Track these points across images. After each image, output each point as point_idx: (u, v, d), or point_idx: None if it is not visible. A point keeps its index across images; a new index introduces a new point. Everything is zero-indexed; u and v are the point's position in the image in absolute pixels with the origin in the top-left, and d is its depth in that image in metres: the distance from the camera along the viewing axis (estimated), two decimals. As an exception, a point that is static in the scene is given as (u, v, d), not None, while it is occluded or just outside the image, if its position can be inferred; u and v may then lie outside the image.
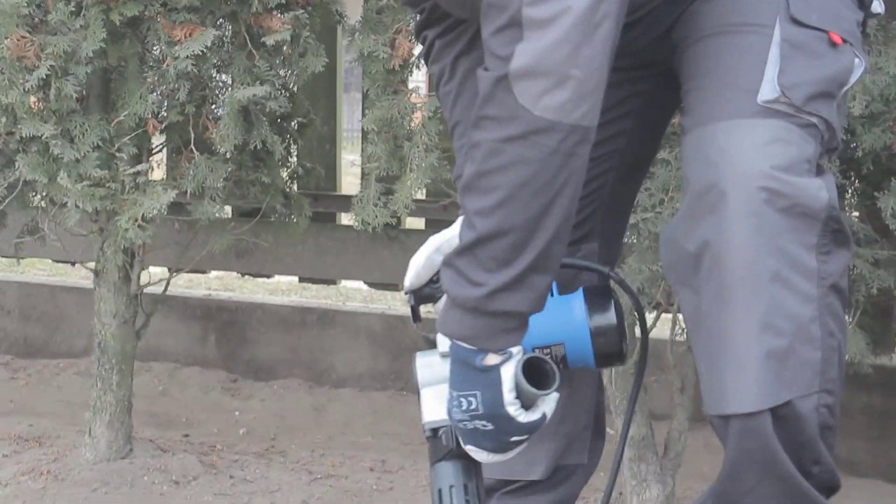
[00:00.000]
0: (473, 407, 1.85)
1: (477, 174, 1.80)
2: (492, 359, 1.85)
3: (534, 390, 1.86)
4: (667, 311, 3.19)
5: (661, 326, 3.45)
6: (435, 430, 1.93)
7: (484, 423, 1.85)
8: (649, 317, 3.20)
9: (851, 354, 2.87)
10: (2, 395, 4.44)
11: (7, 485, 3.28)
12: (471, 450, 1.89)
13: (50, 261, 5.59)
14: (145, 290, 3.52)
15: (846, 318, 1.95)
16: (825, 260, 1.87)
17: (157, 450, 3.53)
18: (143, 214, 3.05)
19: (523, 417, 1.86)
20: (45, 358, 4.83)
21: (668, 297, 3.09)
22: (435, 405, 1.93)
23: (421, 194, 3.88)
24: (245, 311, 4.76)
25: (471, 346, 1.84)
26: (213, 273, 5.82)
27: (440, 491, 1.91)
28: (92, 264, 3.46)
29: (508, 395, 1.84)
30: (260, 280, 5.28)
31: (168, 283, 3.66)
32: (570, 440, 2.24)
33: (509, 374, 1.84)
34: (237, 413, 4.32)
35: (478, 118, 1.80)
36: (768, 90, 1.89)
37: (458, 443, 1.91)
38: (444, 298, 1.89)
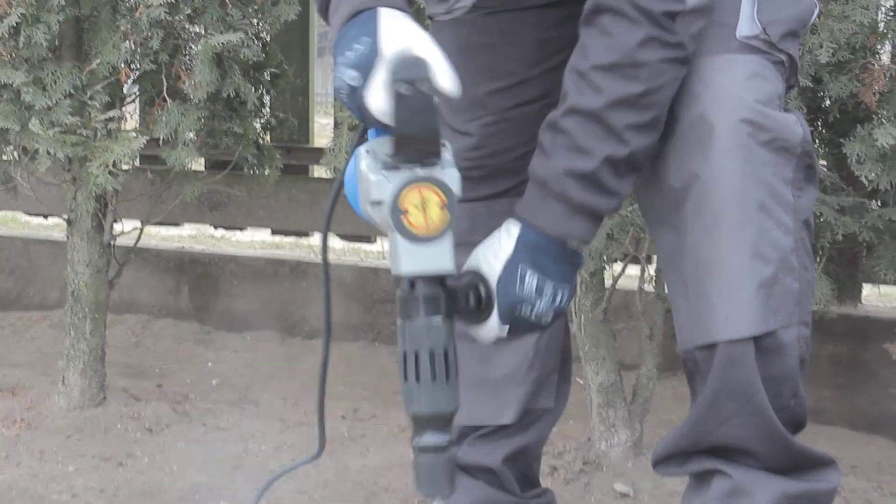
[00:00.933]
0: (562, 301, 1.89)
1: (644, 93, 1.84)
2: (584, 260, 1.95)
3: None
4: (634, 262, 3.23)
5: (630, 276, 3.49)
6: (413, 283, 1.77)
7: (552, 315, 1.89)
8: (617, 266, 3.23)
9: (816, 300, 2.91)
10: (-25, 346, 4.45)
11: (-19, 432, 3.30)
12: (502, 327, 1.88)
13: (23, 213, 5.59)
14: (118, 243, 3.53)
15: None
16: (799, 195, 1.92)
17: (130, 398, 3.56)
18: (113, 161, 3.06)
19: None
20: (18, 310, 4.83)
21: (637, 245, 3.12)
22: (423, 254, 1.77)
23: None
24: (218, 264, 4.77)
25: (579, 250, 1.91)
26: (187, 232, 5.84)
27: (417, 354, 1.76)
28: (66, 216, 3.47)
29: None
30: (234, 240, 5.30)
31: (141, 233, 3.67)
32: (538, 385, 2.28)
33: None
34: (210, 364, 4.34)
35: (645, 39, 1.84)
36: (747, 26, 1.92)
37: (476, 310, 1.87)
38: None
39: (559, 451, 3.26)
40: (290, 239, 5.28)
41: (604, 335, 3.17)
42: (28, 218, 5.92)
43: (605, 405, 3.17)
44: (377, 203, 1.74)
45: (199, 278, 4.76)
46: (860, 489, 3.15)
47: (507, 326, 1.88)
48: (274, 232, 5.08)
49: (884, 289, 4.36)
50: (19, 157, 3.43)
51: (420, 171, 1.74)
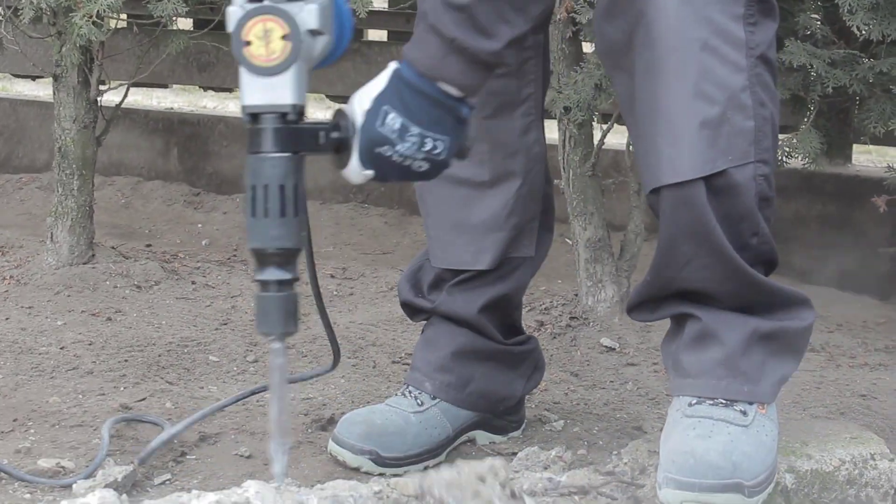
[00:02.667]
0: (437, 151, 1.85)
1: None
2: (466, 112, 1.88)
3: (469, 145, 1.92)
4: (619, 122, 3.21)
5: (618, 135, 3.47)
6: (256, 116, 1.75)
7: (424, 164, 1.86)
8: (601, 127, 3.22)
9: (805, 153, 2.90)
10: (-36, 208, 4.44)
11: (-30, 289, 3.30)
12: (364, 173, 1.85)
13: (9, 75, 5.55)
14: (106, 102, 3.51)
15: (777, 91, 1.97)
16: (752, 31, 1.90)
17: (119, 256, 3.55)
18: (97, 12, 3.01)
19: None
20: (6, 172, 4.81)
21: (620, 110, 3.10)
22: (266, 88, 1.74)
23: (383, 3, 3.85)
24: (207, 125, 4.75)
25: (461, 94, 1.87)
26: (176, 98, 5.80)
27: (266, 188, 1.75)
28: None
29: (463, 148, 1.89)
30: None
31: (127, 91, 3.63)
32: (518, 231, 2.27)
33: (472, 129, 1.90)
34: (199, 225, 4.34)
35: None
36: None
37: (329, 146, 1.82)
38: None
39: (546, 307, 3.28)
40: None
41: (592, 190, 3.16)
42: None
43: (592, 261, 3.18)
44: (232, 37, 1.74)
45: (188, 140, 4.74)
46: (845, 345, 3.17)
47: (371, 170, 1.85)
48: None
49: (874, 148, 4.35)
50: (4, 11, 3.39)
51: (267, 3, 1.73)
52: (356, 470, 2.18)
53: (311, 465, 2.21)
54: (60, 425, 2.33)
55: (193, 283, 3.47)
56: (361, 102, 1.85)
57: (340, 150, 1.84)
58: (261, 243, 1.76)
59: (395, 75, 1.87)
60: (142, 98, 5.59)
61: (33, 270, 3.41)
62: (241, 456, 2.24)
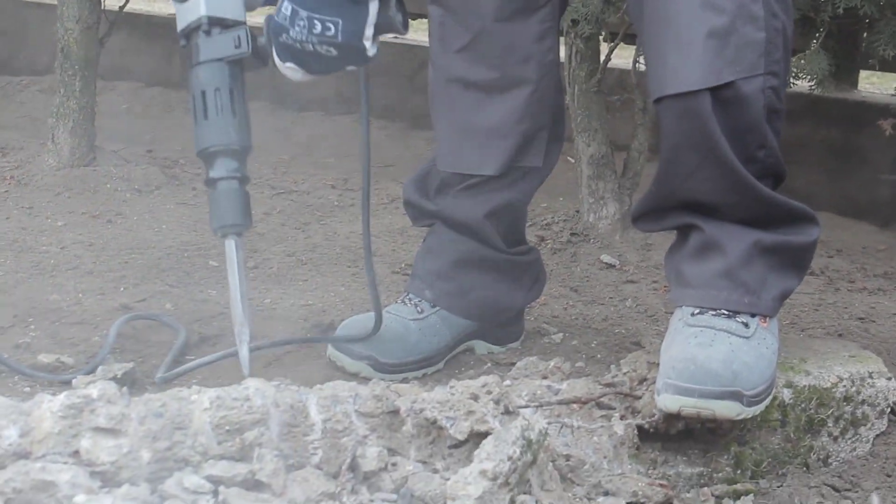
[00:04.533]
0: (331, 33, 1.89)
1: None
2: None
3: (400, 27, 1.94)
4: (626, 41, 3.19)
5: (625, 53, 3.46)
6: (189, 36, 1.95)
7: (330, 49, 1.90)
8: (607, 46, 3.20)
9: (813, 74, 2.88)
10: (-36, 108, 4.42)
11: (-30, 189, 3.30)
12: (288, 66, 1.92)
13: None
14: (109, 6, 3.48)
15: (791, 4, 1.95)
16: None
17: (120, 160, 3.55)
18: None
19: (371, 52, 1.93)
20: (7, 74, 4.79)
21: (628, 26, 3.07)
22: (185, 10, 1.95)
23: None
24: (210, 32, 4.71)
25: None
26: None
27: (204, 94, 1.91)
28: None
29: (369, 29, 1.90)
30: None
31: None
32: (526, 139, 2.25)
33: (375, 9, 1.90)
34: (201, 132, 4.32)
35: None
36: None
37: (246, 48, 1.92)
38: None
39: (547, 223, 3.28)
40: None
41: (597, 106, 3.15)
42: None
43: (594, 177, 3.17)
44: None
45: (190, 46, 4.71)
46: (844, 270, 3.17)
47: (290, 62, 1.92)
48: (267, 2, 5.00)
49: (880, 74, 4.33)
50: None
51: None
52: (355, 375, 2.19)
53: (311, 368, 2.21)
54: (60, 322, 2.33)
55: (194, 188, 3.47)
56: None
57: (262, 51, 1.93)
58: (205, 143, 1.94)
59: None
60: (142, 6, 5.55)
61: (34, 171, 3.40)
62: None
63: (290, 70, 1.92)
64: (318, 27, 1.88)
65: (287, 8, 1.88)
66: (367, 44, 1.90)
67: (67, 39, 3.38)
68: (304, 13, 1.88)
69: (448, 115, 2.28)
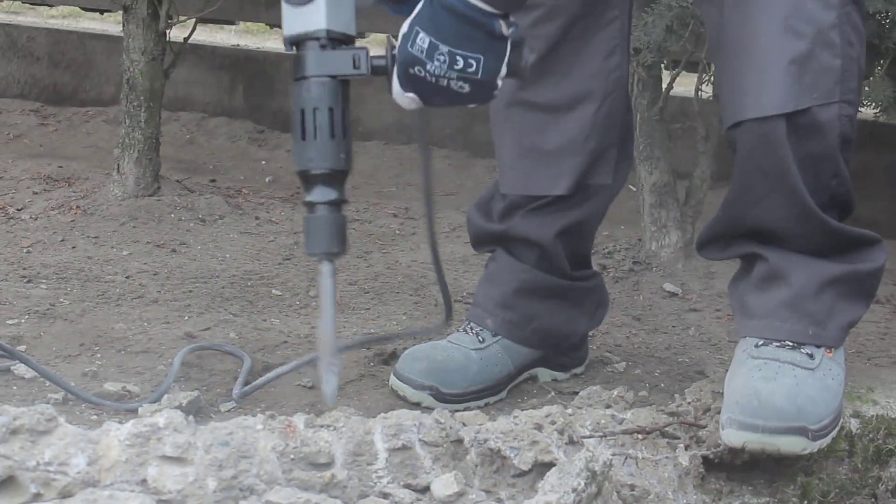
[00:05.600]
0: (472, 70, 1.82)
1: None
2: (504, 29, 1.86)
3: (524, 72, 1.87)
4: (687, 69, 3.18)
5: (685, 83, 3.45)
6: (299, 44, 1.83)
7: (464, 85, 1.83)
8: (669, 74, 3.19)
9: (878, 101, 2.86)
10: (32, 139, 4.48)
11: (38, 218, 3.33)
12: (408, 96, 1.83)
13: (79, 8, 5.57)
14: (174, 38, 3.52)
15: (864, 33, 1.93)
16: None
17: (184, 190, 3.58)
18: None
19: (497, 91, 1.87)
20: (73, 105, 4.85)
21: (696, 42, 3.07)
22: (301, 16, 1.81)
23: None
24: (273, 62, 4.76)
25: (493, 10, 1.82)
26: (239, 40, 5.80)
27: (308, 111, 1.80)
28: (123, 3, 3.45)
29: (504, 68, 1.84)
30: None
31: (195, 26, 3.65)
32: (595, 158, 2.24)
33: (508, 48, 1.84)
34: (263, 162, 4.36)
35: None
36: None
37: (365, 70, 1.83)
38: None
39: (609, 251, 3.27)
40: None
41: (659, 134, 3.14)
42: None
43: (657, 206, 3.16)
44: None
45: (253, 77, 4.75)
46: (909, 298, 3.15)
47: (412, 93, 1.83)
48: (329, 32, 5.03)
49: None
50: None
51: None
52: (416, 405, 2.19)
53: (373, 397, 2.22)
54: (126, 351, 2.35)
55: (257, 218, 3.49)
56: (402, 27, 1.86)
57: (380, 73, 1.85)
58: (306, 165, 1.81)
59: None
60: (206, 37, 5.61)
61: (99, 201, 3.44)
62: (304, 386, 2.25)
63: (407, 99, 1.84)
64: (460, 63, 1.82)
65: (424, 41, 1.81)
66: (499, 82, 1.85)
67: (133, 71, 3.43)
68: (444, 48, 1.81)
69: (512, 138, 2.28)
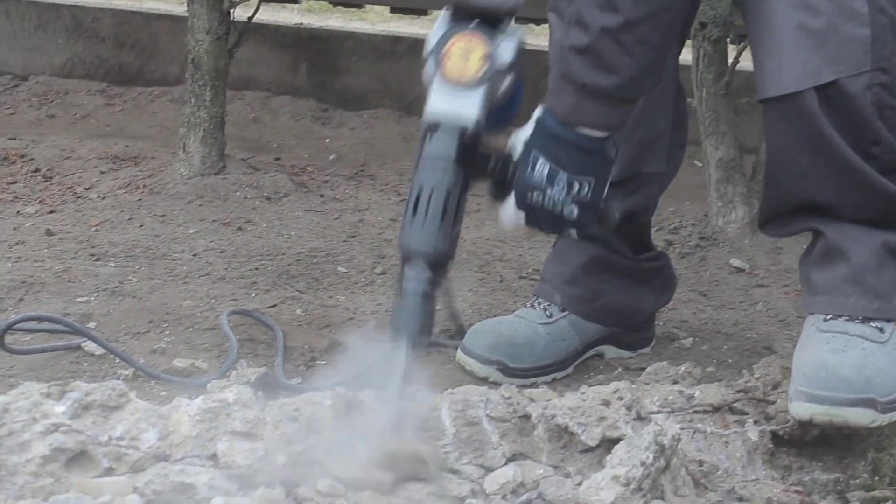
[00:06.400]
0: (584, 193, 1.88)
1: None
2: (611, 150, 1.91)
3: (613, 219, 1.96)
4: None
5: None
6: (437, 123, 1.80)
7: (575, 209, 1.89)
8: (735, 48, 3.16)
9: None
10: (98, 119, 4.51)
11: (105, 197, 3.36)
12: (516, 214, 1.91)
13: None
14: (237, 17, 3.53)
15: None
16: None
17: (249, 168, 3.59)
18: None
19: (607, 222, 1.95)
20: (139, 85, 4.87)
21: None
22: (456, 99, 1.80)
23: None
24: (336, 41, 4.75)
25: (604, 134, 1.90)
26: (301, 19, 5.81)
27: (421, 188, 1.77)
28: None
29: (608, 187, 1.91)
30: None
31: (259, 5, 3.66)
32: (644, 146, 2.23)
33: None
34: (327, 140, 4.36)
35: None
36: None
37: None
38: None
39: (675, 227, 3.25)
40: (409, 16, 5.21)
41: (725, 109, 3.12)
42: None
43: (723, 181, 3.13)
44: (429, 53, 1.80)
45: (317, 55, 4.75)
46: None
47: (523, 213, 1.90)
48: (393, 10, 5.04)
49: None
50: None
51: (473, 25, 1.79)
52: (483, 380, 2.19)
53: (440, 373, 2.22)
54: (194, 328, 2.37)
55: (322, 196, 3.50)
56: (515, 147, 1.90)
57: (500, 185, 1.91)
58: (410, 242, 1.77)
59: (539, 123, 1.93)
60: (269, 16, 5.62)
61: (165, 180, 3.46)
62: (371, 362, 2.26)
63: (514, 217, 1.91)
64: (576, 188, 1.87)
65: (544, 168, 1.86)
66: (601, 203, 1.92)
67: (198, 50, 3.44)
68: (563, 175, 1.87)
69: None
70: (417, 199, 1.77)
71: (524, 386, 2.12)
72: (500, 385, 1.88)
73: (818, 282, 1.96)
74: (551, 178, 1.87)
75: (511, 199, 1.90)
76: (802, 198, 1.95)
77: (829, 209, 1.94)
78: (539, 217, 1.90)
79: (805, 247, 2.07)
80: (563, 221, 1.91)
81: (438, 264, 1.77)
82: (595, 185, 1.89)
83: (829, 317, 1.92)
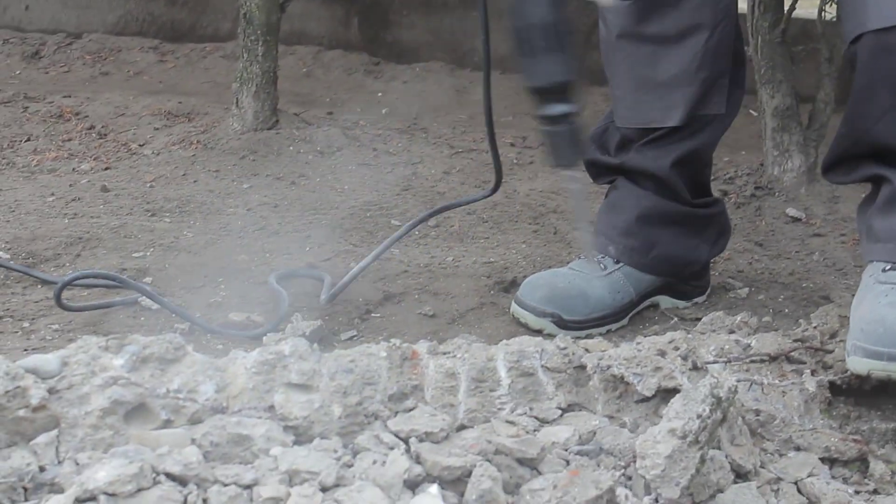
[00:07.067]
0: None
1: None
2: None
3: None
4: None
5: (807, 5, 3.37)
6: None
7: None
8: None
9: None
10: (151, 76, 4.52)
11: (159, 153, 3.37)
12: None
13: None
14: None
15: None
16: None
17: (302, 122, 3.59)
18: None
19: None
20: (191, 42, 4.88)
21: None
22: None
23: None
24: (387, -6, 4.74)
25: None
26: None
27: (532, 27, 1.83)
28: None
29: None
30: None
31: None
32: (707, 87, 2.21)
33: None
34: (379, 94, 4.35)
35: None
36: None
37: None
38: None
39: (730, 177, 3.22)
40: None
41: (781, 57, 3.08)
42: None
43: (779, 130, 3.10)
44: None
45: (368, 8, 4.74)
46: None
47: None
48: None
49: None
50: None
51: None
52: (538, 332, 2.19)
53: (494, 325, 2.22)
54: (249, 282, 2.38)
55: (374, 149, 3.50)
56: None
57: None
58: (534, 81, 1.86)
59: None
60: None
61: (219, 136, 3.47)
62: (426, 315, 2.26)
63: None
64: None
65: None
66: None
67: (250, 5, 3.44)
68: None
69: (624, 70, 2.25)
70: (521, 40, 1.83)
71: (579, 338, 2.12)
72: (556, 336, 1.88)
73: (880, 229, 1.95)
74: None
75: None
76: (876, 141, 1.94)
77: None
78: None
79: (864, 195, 2.05)
80: None
81: (567, 91, 1.88)
82: None
83: (889, 266, 1.90)
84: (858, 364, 1.78)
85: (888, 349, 1.77)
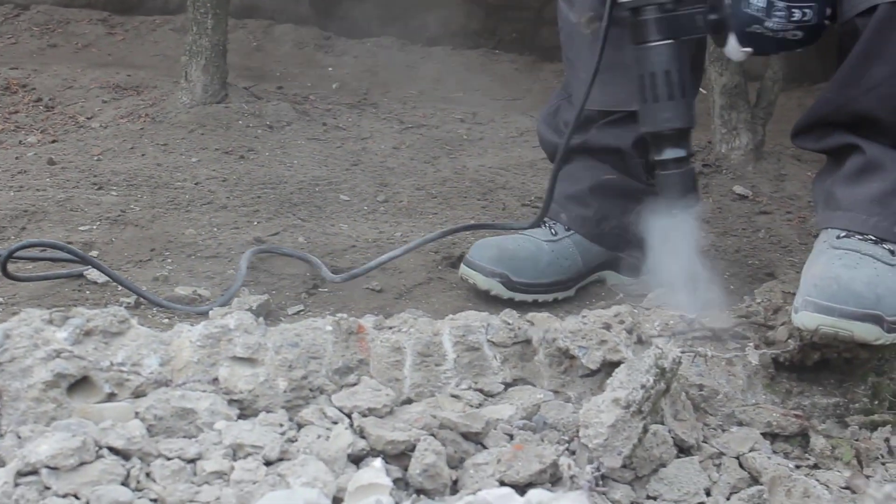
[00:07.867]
0: (807, 18, 1.92)
1: None
2: None
3: None
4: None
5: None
6: (636, 9, 1.96)
7: (797, 33, 1.93)
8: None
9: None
10: (100, 49, 4.49)
11: (107, 126, 3.35)
12: (743, 51, 1.94)
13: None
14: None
15: None
16: None
17: (251, 97, 3.58)
18: None
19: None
20: (140, 14, 4.84)
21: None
22: None
23: None
24: (338, -32, 4.72)
25: None
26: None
27: (657, 75, 1.95)
28: None
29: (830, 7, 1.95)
30: None
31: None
32: None
33: None
34: (330, 69, 4.34)
35: None
36: None
37: (705, 28, 1.95)
38: None
39: (678, 154, 3.23)
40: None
41: (729, 35, 3.09)
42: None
43: (727, 107, 3.12)
44: None
45: (319, -18, 4.73)
46: None
47: (748, 48, 1.94)
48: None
49: None
50: None
51: None
52: (486, 292, 2.19)
53: (442, 300, 2.22)
54: (196, 256, 2.37)
55: (324, 124, 3.49)
56: None
57: (718, 30, 1.95)
58: (654, 126, 1.98)
59: None
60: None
61: (168, 109, 3.45)
62: (373, 290, 2.26)
63: (742, 54, 1.95)
64: (797, 15, 1.92)
65: (760, 1, 1.91)
66: (827, 22, 1.95)
67: (198, -23, 3.42)
68: (781, 4, 1.91)
69: (591, 53, 2.25)
70: (643, 87, 1.96)
71: (525, 302, 2.14)
72: (502, 310, 1.88)
73: (842, 197, 1.98)
74: (769, 10, 1.91)
75: (732, 38, 1.94)
76: (860, 110, 1.97)
77: (878, 128, 1.96)
78: (763, 45, 1.95)
79: (822, 166, 2.07)
80: (788, 44, 1.96)
81: (683, 137, 1.98)
82: (818, 8, 1.93)
83: (843, 234, 1.93)
84: (807, 319, 1.80)
85: (840, 305, 1.80)
